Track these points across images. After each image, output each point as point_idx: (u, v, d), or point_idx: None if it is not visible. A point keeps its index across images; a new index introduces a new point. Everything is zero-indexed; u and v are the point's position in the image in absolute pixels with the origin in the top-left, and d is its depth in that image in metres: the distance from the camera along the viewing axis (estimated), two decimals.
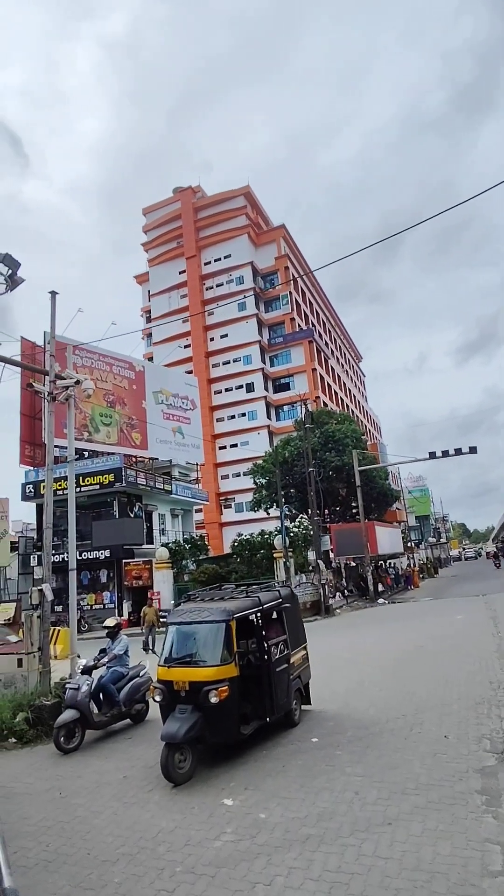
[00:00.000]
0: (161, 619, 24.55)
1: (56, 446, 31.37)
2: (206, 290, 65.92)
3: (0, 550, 8.54)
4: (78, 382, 9.32)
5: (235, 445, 61.30)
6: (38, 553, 29.84)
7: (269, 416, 62.09)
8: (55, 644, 17.97)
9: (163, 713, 6.33)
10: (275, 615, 7.36)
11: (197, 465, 39.96)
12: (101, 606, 27.31)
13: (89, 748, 7.36)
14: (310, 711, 7.85)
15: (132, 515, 29.46)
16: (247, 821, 4.79)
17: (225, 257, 65.53)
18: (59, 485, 29.59)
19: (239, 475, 60.87)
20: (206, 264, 66.44)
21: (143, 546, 28.79)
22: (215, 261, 66.10)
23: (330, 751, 6.29)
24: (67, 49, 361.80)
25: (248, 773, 5.89)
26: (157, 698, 6.26)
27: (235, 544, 26.17)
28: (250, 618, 6.86)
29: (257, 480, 42.12)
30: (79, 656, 8.06)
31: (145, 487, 30.13)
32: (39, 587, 8.42)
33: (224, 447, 61.64)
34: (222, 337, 64.10)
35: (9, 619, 16.97)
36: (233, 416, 62.57)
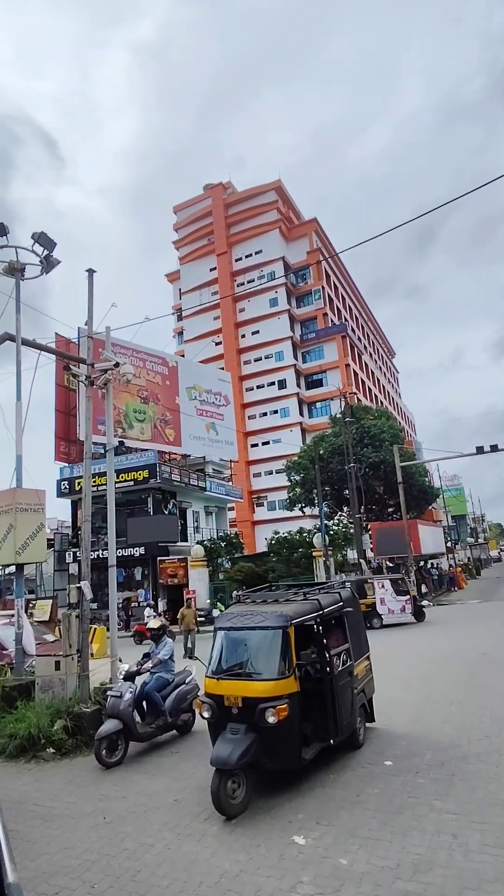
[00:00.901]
0: (198, 620, 24.25)
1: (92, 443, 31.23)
2: (237, 286, 65.32)
3: (37, 545, 8.09)
4: (117, 365, 8.71)
5: (267, 443, 60.58)
6: (74, 549, 29.75)
7: (301, 413, 61.11)
8: (91, 643, 17.58)
9: (212, 732, 5.61)
10: (334, 621, 6.56)
11: (230, 461, 39.38)
12: (136, 604, 26.93)
13: (133, 763, 6.71)
14: (374, 729, 7.03)
15: (166, 512, 29.03)
16: (325, 867, 4.02)
17: (256, 253, 64.83)
18: (95, 480, 29.49)
19: (271, 473, 60.14)
20: (236, 260, 65.86)
21: (178, 543, 28.32)
22: (246, 257, 65.48)
23: (409, 777, 5.46)
24: (97, 56, 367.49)
25: (317, 803, 5.12)
26: (206, 714, 5.53)
27: (273, 542, 25.43)
28: (310, 624, 6.07)
29: (292, 478, 41.29)
30: (120, 660, 7.45)
31: (179, 484, 29.67)
32: (78, 584, 7.83)
33: (256, 445, 60.98)
34: (254, 333, 63.43)
35: (45, 618, 16.64)
36: (265, 414, 61.81)
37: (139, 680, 7.26)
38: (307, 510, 43.67)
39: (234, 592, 25.65)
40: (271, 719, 5.11)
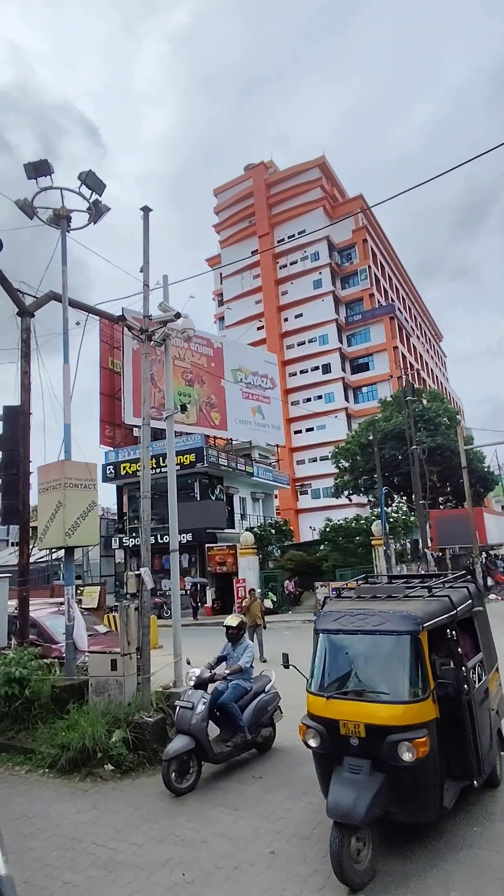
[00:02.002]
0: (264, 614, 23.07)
1: (133, 426, 30.46)
2: (280, 268, 63.54)
3: (88, 526, 7.18)
4: (178, 316, 7.46)
5: (311, 430, 58.90)
6: (120, 535, 29.14)
7: (346, 399, 59.06)
8: None
9: (320, 766, 4.33)
10: (464, 623, 5.13)
11: (277, 446, 38.05)
12: (184, 592, 26.07)
13: (208, 789, 5.51)
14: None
15: (213, 498, 27.99)
16: None
17: (299, 233, 62.57)
18: (138, 467, 28.75)
19: (315, 460, 58.50)
20: (279, 242, 63.90)
21: (226, 530, 27.27)
22: (289, 237, 63.42)
23: None
24: (134, 48, 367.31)
25: (468, 872, 3.77)
26: (313, 744, 4.24)
27: (327, 529, 23.99)
28: (439, 628, 4.64)
29: (340, 464, 39.65)
30: (188, 662, 6.25)
31: (227, 468, 28.54)
32: (137, 572, 6.69)
33: (299, 431, 59.36)
34: (297, 317, 61.58)
35: (93, 605, 15.81)
36: (308, 399, 59.99)
37: (208, 687, 6.05)
38: (354, 498, 41.96)
39: (286, 582, 24.48)
40: (407, 756, 3.77)
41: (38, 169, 8.37)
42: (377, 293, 62.15)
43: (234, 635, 6.45)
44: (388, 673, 4.23)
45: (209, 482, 28.26)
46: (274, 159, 69.94)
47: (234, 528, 28.94)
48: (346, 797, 3.76)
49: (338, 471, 39.96)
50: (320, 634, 4.67)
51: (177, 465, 27.82)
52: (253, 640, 11.77)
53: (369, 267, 61.07)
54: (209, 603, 24.58)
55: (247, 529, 26.08)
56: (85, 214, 9.18)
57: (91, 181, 8.59)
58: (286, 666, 5.06)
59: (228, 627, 6.46)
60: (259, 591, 23.84)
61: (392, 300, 65.62)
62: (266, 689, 6.37)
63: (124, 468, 28.86)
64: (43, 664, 7.61)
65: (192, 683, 5.82)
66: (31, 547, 8.49)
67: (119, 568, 28.84)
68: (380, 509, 23.23)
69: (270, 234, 64.18)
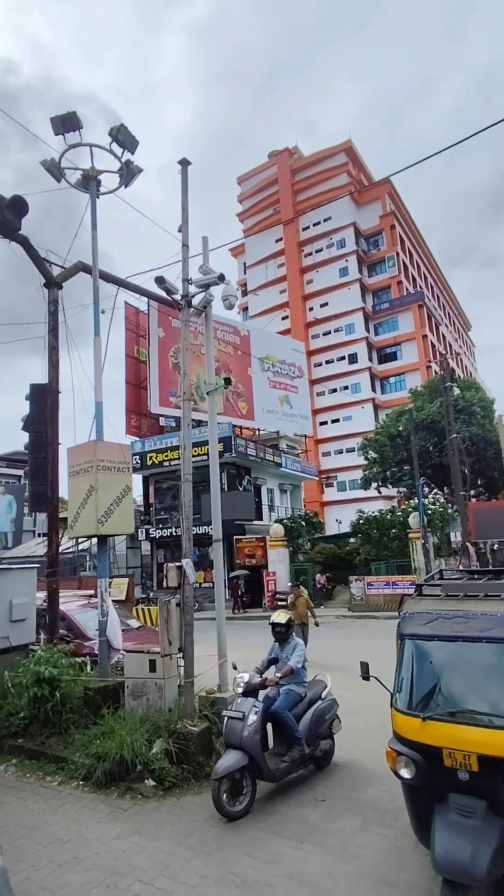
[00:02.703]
0: (280, 602, 22.39)
1: (160, 415, 29.92)
2: (305, 256, 62.28)
3: (122, 513, 6.59)
4: (222, 278, 6.69)
5: (337, 421, 57.79)
6: (147, 527, 28.72)
7: (373, 389, 57.74)
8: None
9: (415, 802, 3.55)
10: None
11: (305, 437, 37.17)
12: (212, 585, 25.51)
13: (264, 814, 4.79)
14: None
15: (241, 489, 27.31)
16: None
17: (324, 220, 61.31)
18: (168, 455, 28.17)
19: (341, 452, 57.39)
20: (304, 229, 62.65)
21: (254, 522, 26.57)
22: (314, 225, 62.16)
23: None
24: (154, 41, 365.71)
25: None
26: (407, 775, 3.47)
27: (360, 522, 23.10)
28: None
29: (368, 456, 38.59)
30: (235, 667, 5.52)
31: (255, 459, 27.80)
32: (178, 563, 5.98)
33: (325, 423, 58.29)
34: (322, 306, 60.33)
35: (122, 597, 15.29)
36: (334, 390, 58.79)
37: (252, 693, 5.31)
38: (383, 490, 40.86)
39: (317, 575, 23.69)
40: None
41: (66, 123, 7.68)
42: (405, 281, 60.46)
43: (283, 634, 5.71)
44: None
45: (237, 472, 27.60)
46: (299, 146, 68.45)
47: (261, 519, 28.24)
48: (461, 850, 2.98)
49: (366, 462, 38.89)
50: (406, 640, 3.89)
51: (203, 454, 27.22)
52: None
53: (397, 254, 59.37)
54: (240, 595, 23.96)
55: (276, 521, 25.33)
56: (115, 177, 8.49)
57: (123, 137, 7.87)
58: (366, 677, 4.28)
59: (276, 626, 5.71)
60: (290, 584, 23.17)
61: (420, 288, 63.78)
62: (322, 696, 5.62)
63: (150, 458, 28.38)
64: (74, 663, 6.99)
65: (240, 690, 5.10)
66: (60, 536, 7.87)
67: (145, 560, 28.43)
68: (416, 501, 22.24)
69: (295, 221, 62.81)
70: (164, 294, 10.92)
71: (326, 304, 60.20)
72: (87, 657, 7.65)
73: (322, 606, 22.13)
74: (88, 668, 7.35)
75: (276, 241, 64.02)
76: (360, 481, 42.51)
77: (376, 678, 4.16)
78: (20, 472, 49.16)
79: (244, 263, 68.44)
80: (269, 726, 5.16)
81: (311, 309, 61.20)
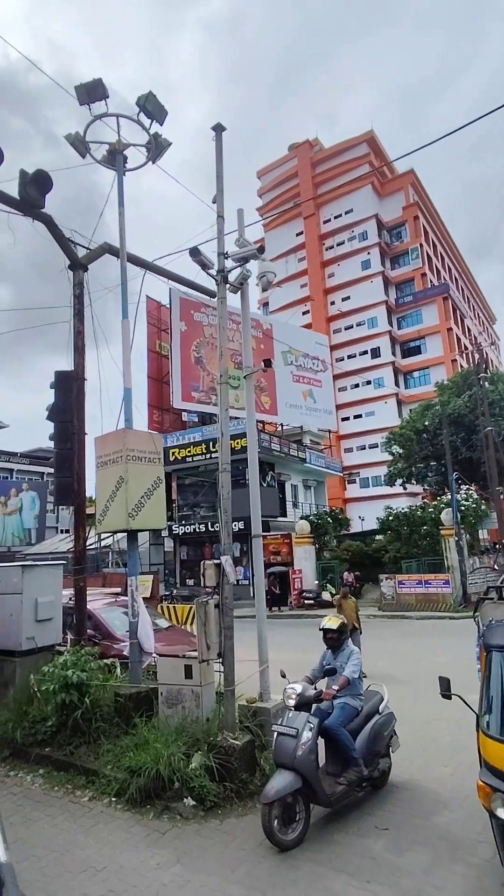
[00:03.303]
0: (306, 601, 21.81)
1: (183, 410, 29.57)
2: (326, 249, 61.32)
3: (154, 507, 6.20)
4: (261, 251, 6.16)
5: (360, 416, 56.81)
6: (169, 523, 28.37)
7: (397, 384, 56.58)
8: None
9: None
10: None
11: (329, 432, 36.47)
12: (236, 582, 25.09)
13: (321, 844, 4.26)
14: None
15: (265, 485, 26.76)
16: None
17: (346, 213, 60.30)
18: (191, 450, 27.78)
19: (364, 448, 56.44)
20: (325, 222, 61.69)
21: (278, 518, 26.03)
22: (335, 217, 61.14)
23: None
24: (171, 39, 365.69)
25: None
26: None
27: (390, 518, 22.37)
28: None
29: (394, 451, 37.68)
30: (283, 675, 4.99)
31: (279, 454, 27.25)
32: (216, 560, 5.48)
33: (347, 418, 57.34)
34: (344, 300, 59.32)
35: (146, 594, 14.91)
36: (356, 385, 57.86)
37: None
38: (408, 486, 39.91)
39: (345, 574, 23.04)
40: None
41: (92, 92, 7.21)
42: (429, 273, 59.14)
43: (334, 640, 5.16)
44: None
45: (260, 468, 27.02)
46: (319, 138, 67.39)
47: (286, 516, 27.68)
48: None
49: (392, 458, 37.98)
50: (495, 653, 3.31)
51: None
52: None
53: (421, 245, 58.08)
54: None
55: (302, 517, 24.75)
56: (140, 153, 8.01)
57: (151, 106, 7.38)
58: (447, 696, 3.71)
59: (326, 631, 5.17)
60: (317, 582, 22.61)
61: (444, 280, 62.32)
62: (380, 710, 5.06)
63: (173, 454, 28.01)
64: (103, 666, 6.55)
65: (291, 703, 4.56)
66: (87, 531, 7.45)
67: (168, 557, 28.12)
68: (446, 497, 21.44)
69: (316, 214, 62.01)
70: (189, 280, 10.48)
71: (348, 297, 59.21)
72: (116, 659, 7.21)
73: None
74: (118, 671, 6.91)
75: (297, 235, 63.22)
76: (384, 478, 41.64)
77: (460, 698, 3.58)
78: (43, 469, 49.43)
79: (263, 258, 67.58)
80: (321, 743, 4.63)
81: (332, 303, 60.26)
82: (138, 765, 5.06)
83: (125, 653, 7.42)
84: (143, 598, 14.85)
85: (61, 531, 48.68)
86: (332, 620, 5.15)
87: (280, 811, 4.17)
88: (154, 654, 6.52)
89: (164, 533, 27.92)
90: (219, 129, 6.44)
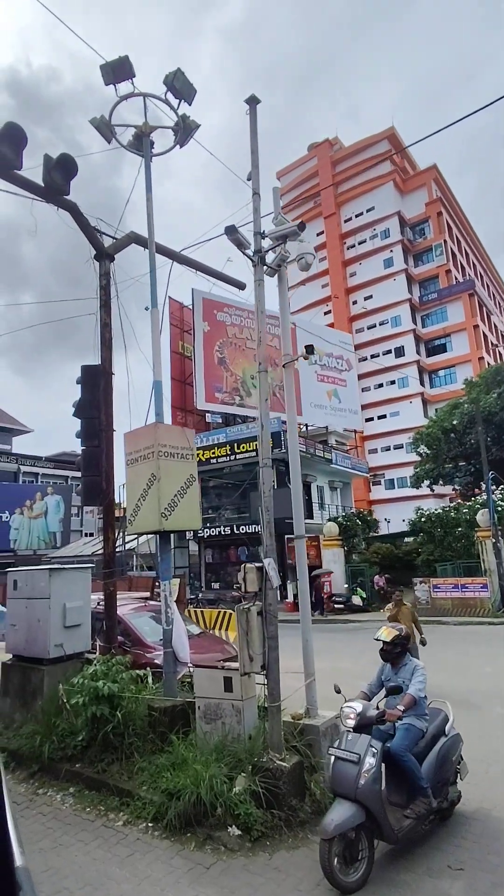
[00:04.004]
0: (335, 605, 21.22)
1: (206, 412, 29.23)
2: (347, 248, 60.65)
3: (188, 505, 5.84)
4: (302, 227, 5.71)
5: (384, 416, 55.86)
6: None
7: (422, 383, 55.50)
8: (226, 630, 15.26)
9: None
10: None
11: (355, 432, 35.78)
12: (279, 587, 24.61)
13: (388, 887, 3.76)
14: None
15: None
16: None
17: (367, 210, 59.58)
18: (215, 451, 27.43)
19: (389, 449, 55.43)
20: (346, 221, 61.06)
21: (305, 520, 25.48)
22: (356, 216, 60.45)
23: None
24: (190, 46, 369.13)
25: None
26: None
27: (421, 519, 21.64)
28: None
29: (422, 451, 36.77)
30: (338, 690, 4.49)
31: (305, 454, 26.68)
32: (257, 564, 5.02)
33: (371, 419, 56.40)
34: (366, 298, 58.49)
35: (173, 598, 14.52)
36: (380, 385, 57.04)
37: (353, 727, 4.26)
38: (435, 487, 38.92)
39: (375, 577, 22.38)
40: None
41: (118, 71, 6.86)
42: (454, 269, 57.98)
43: (392, 654, 4.65)
44: None
45: (286, 469, 26.53)
46: (339, 137, 66.76)
47: (312, 518, 27.10)
48: None
49: (419, 458, 37.07)
50: None
51: (251, 451, 26.32)
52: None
53: (445, 242, 56.96)
54: (290, 598, 22.92)
55: (330, 519, 24.15)
56: (166, 137, 7.63)
57: (180, 84, 7.00)
58: None
59: (384, 642, 4.66)
60: (346, 585, 21.98)
61: (469, 276, 61.02)
62: (446, 731, 4.53)
63: (197, 455, 27.71)
64: (135, 676, 6.14)
65: (350, 723, 4.07)
66: (116, 532, 7.07)
67: (192, 560, 27.78)
68: (481, 498, 20.63)
69: (337, 213, 61.44)
70: (216, 271, 10.07)
71: (370, 296, 58.39)
72: (148, 668, 6.80)
73: (382, 610, 20.83)
74: (150, 681, 6.49)
75: (318, 235, 62.63)
76: (411, 479, 40.72)
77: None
78: (67, 473, 49.73)
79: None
80: (381, 768, 4.12)
81: (354, 302, 59.52)
82: (177, 787, 4.63)
83: (157, 661, 7.03)
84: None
85: (85, 534, 48.87)
86: (387, 632, 4.64)
87: (341, 848, 3.68)
88: (189, 665, 6.09)
89: (189, 535, 27.62)
90: (253, 101, 6.02)
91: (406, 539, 27.26)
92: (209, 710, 5.36)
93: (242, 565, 5.15)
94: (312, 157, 65.17)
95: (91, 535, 47.89)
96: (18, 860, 1.26)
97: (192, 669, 5.88)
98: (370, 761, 3.82)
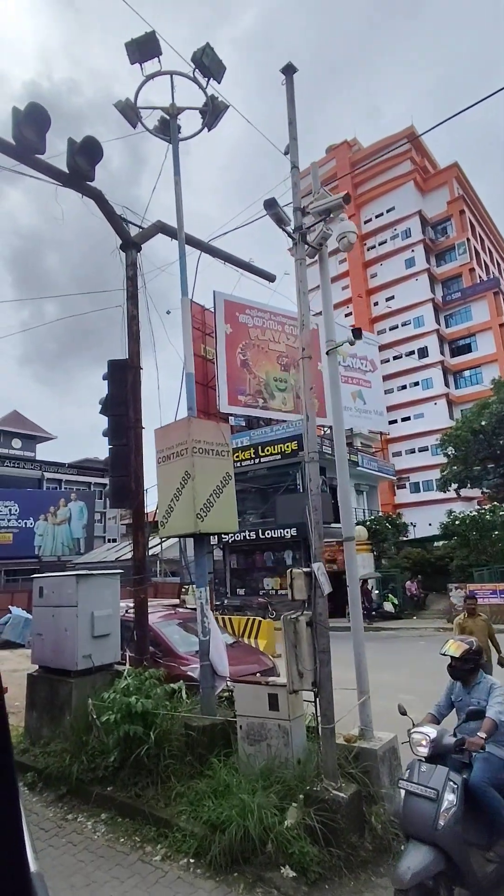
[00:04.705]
0: (367, 612, 20.43)
1: (229, 414, 28.83)
2: (368, 249, 59.93)
3: (224, 506, 5.48)
4: (347, 199, 5.25)
5: (408, 419, 54.80)
6: None
7: (447, 384, 54.33)
8: (255, 638, 14.75)
9: None
10: None
11: (380, 434, 35.02)
12: (287, 592, 24.03)
13: None
14: None
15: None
16: None
17: (388, 211, 58.86)
18: (238, 455, 26.99)
19: (413, 451, 54.32)
20: (366, 222, 60.35)
21: (332, 525, 24.84)
22: (376, 217, 59.77)
23: None
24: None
25: None
26: None
27: (455, 523, 20.86)
28: None
29: (448, 453, 35.77)
30: (403, 711, 3.95)
31: (331, 457, 26.09)
32: (305, 569, 4.54)
33: (394, 421, 55.37)
34: (388, 299, 57.65)
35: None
36: (403, 387, 56.05)
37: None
38: (463, 491, 37.82)
39: (407, 583, 21.64)
40: None
41: (144, 48, 6.51)
42: (478, 268, 56.81)
43: (463, 671, 4.09)
44: None
45: None
46: (358, 138, 66.25)
47: (338, 522, 26.45)
48: None
49: (446, 460, 36.08)
50: None
51: (276, 454, 25.79)
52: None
53: (468, 240, 55.88)
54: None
55: (359, 523, 23.48)
56: (192, 122, 7.26)
57: (209, 60, 6.62)
58: None
59: (454, 657, 4.11)
60: (377, 591, 21.27)
61: (494, 275, 59.75)
62: None
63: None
64: (169, 691, 5.69)
65: (423, 752, 3.54)
66: (147, 536, 6.66)
67: (217, 565, 27.34)
68: None
69: (357, 214, 60.69)
70: (244, 261, 9.67)
71: (392, 297, 57.56)
72: (182, 682, 6.34)
73: (415, 618, 20.08)
74: (184, 695, 6.03)
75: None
76: (437, 482, 39.72)
77: None
78: (90, 479, 49.89)
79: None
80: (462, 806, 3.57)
81: (375, 304, 58.75)
82: (220, 818, 4.15)
83: (190, 673, 6.58)
84: (194, 608, 14.03)
85: (108, 540, 48.89)
86: (455, 646, 4.09)
87: None
88: (228, 680, 5.61)
89: (213, 540, 27.21)
90: (289, 70, 5.59)
91: (438, 543, 26.41)
92: (252, 730, 4.87)
93: (289, 570, 4.68)
94: (331, 159, 64.67)
95: (114, 541, 47.90)
96: (33, 866, 1.28)
97: (230, 685, 5.41)
98: (450, 798, 3.29)
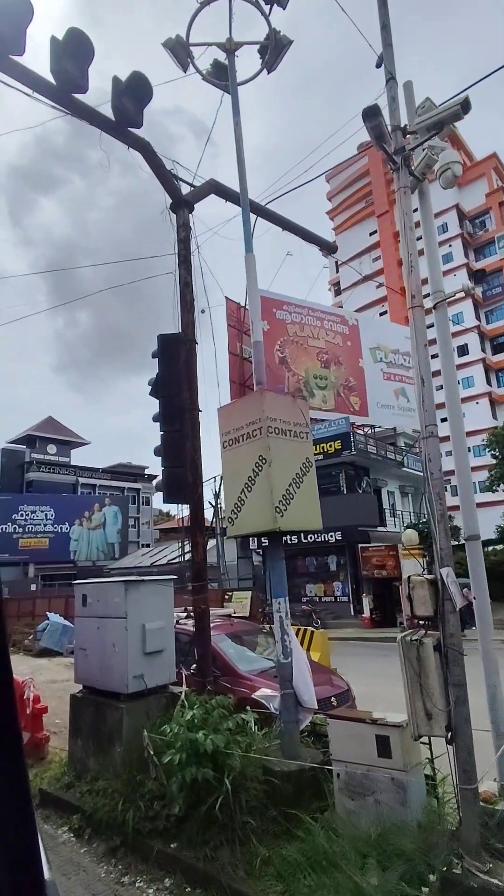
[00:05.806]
0: (419, 622, 18.98)
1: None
2: None
3: (306, 497, 4.79)
4: (466, 107, 4.22)
5: (446, 419, 52.72)
6: None
7: (489, 382, 52.25)
8: (307, 650, 13.63)
9: None
10: None
11: None
12: (332, 599, 22.81)
13: None
14: None
15: (360, 491, 24.43)
16: None
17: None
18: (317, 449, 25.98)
19: (452, 453, 52.33)
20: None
21: (378, 529, 23.56)
22: (413, 212, 58.07)
23: None
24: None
25: None
26: None
27: None
28: None
29: (497, 454, 33.93)
30: None
31: (376, 457, 24.85)
32: (429, 576, 3.49)
33: None
34: (425, 297, 55.60)
35: (245, 613, 13.17)
36: (440, 387, 53.59)
37: None
38: None
39: (465, 590, 20.11)
40: None
41: None
42: None
43: None
44: None
45: (355, 473, 24.75)
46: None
47: (384, 526, 25.12)
48: None
49: (495, 460, 34.23)
50: None
51: (319, 453, 24.63)
52: None
53: None
54: (367, 613, 21.03)
55: (408, 526, 22.16)
56: (250, 65, 6.33)
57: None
58: None
59: None
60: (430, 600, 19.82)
61: None
62: None
63: None
64: (239, 722, 4.68)
65: None
66: (206, 537, 5.71)
67: (257, 570, 26.33)
68: None
69: (390, 211, 59.25)
70: (305, 229, 8.68)
71: (428, 294, 55.55)
72: (249, 709, 5.32)
73: (473, 628, 18.57)
74: (254, 726, 5.01)
75: (370, 235, 60.80)
76: (477, 484, 37.74)
77: None
78: (124, 484, 49.64)
79: (336, 261, 65.58)
80: None
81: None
82: None
83: (255, 696, 5.56)
84: (243, 617, 12.99)
85: (141, 545, 48.47)
86: None
87: None
88: (315, 712, 4.57)
89: (253, 545, 26.21)
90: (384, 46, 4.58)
91: (491, 547, 24.79)
92: (354, 781, 3.83)
93: (407, 577, 3.65)
94: (362, 156, 63.47)
95: (147, 546, 47.42)
96: (47, 874, 1.31)
97: (319, 718, 4.38)
98: None
